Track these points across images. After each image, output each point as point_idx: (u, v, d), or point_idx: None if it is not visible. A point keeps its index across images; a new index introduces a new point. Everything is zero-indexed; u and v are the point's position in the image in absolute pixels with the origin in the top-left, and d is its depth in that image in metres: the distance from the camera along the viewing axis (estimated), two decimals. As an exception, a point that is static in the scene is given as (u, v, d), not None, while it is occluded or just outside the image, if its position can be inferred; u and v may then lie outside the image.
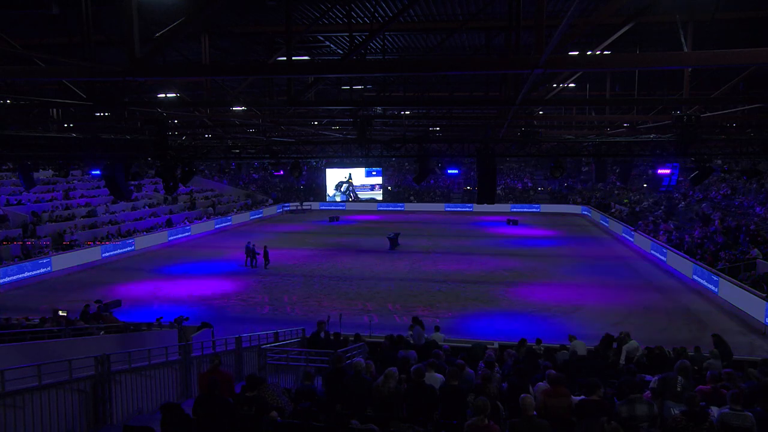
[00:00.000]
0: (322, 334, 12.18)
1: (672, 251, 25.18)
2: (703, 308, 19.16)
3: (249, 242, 26.64)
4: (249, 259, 26.10)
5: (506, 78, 9.41)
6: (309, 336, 12.69)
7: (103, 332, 13.11)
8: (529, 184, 53.00)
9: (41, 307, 17.98)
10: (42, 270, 24.10)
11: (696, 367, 10.05)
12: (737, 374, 8.62)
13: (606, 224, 38.34)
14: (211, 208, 42.16)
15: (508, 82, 9.15)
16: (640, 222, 33.77)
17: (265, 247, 26.34)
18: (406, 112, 17.68)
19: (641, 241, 29.92)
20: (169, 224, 35.32)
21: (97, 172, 15.64)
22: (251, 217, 43.97)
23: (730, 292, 19.03)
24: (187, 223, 36.60)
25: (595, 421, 5.91)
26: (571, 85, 12.78)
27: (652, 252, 27.69)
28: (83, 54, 6.34)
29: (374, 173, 45.27)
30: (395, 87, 15.55)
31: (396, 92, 16.13)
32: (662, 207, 36.78)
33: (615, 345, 11.71)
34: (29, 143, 13.05)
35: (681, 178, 34.32)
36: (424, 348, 11.03)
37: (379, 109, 16.20)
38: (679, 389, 6.67)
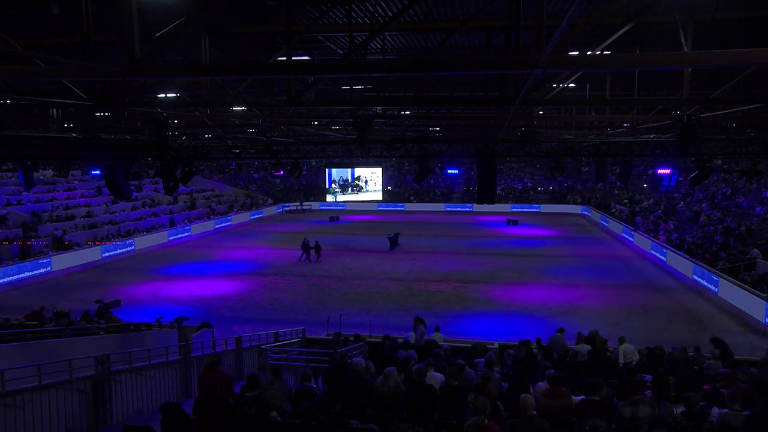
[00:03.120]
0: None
1: (672, 251, 25.17)
2: (703, 308, 19.16)
3: (305, 239, 28.05)
4: (304, 254, 27.33)
5: (506, 78, 9.40)
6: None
7: (103, 332, 13.11)
8: (529, 184, 52.99)
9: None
10: (42, 270, 24.09)
11: (696, 367, 10.05)
12: (744, 370, 8.60)
13: (606, 224, 38.32)
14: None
15: (508, 82, 9.14)
16: (638, 218, 33.79)
17: (317, 242, 27.85)
18: (406, 112, 17.67)
19: (641, 241, 29.90)
20: (171, 224, 35.31)
21: (97, 172, 15.61)
22: (251, 217, 43.93)
23: (730, 292, 19.02)
24: (187, 223, 36.59)
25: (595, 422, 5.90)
26: (571, 85, 12.76)
27: (652, 252, 27.68)
28: (83, 54, 6.34)
29: (372, 173, 45.25)
30: (395, 87, 15.54)
31: (396, 92, 16.12)
32: (662, 207, 36.79)
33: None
34: (29, 143, 13.02)
35: (681, 178, 34.44)
36: (424, 348, 11.03)
37: (379, 109, 16.16)
38: (673, 393, 6.67)
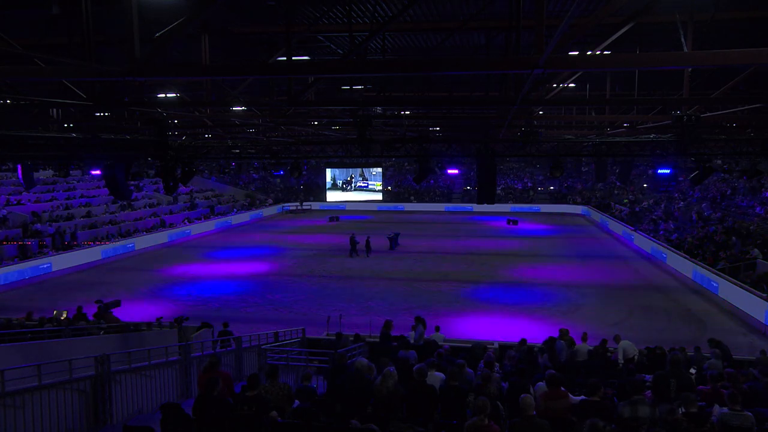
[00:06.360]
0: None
1: (672, 251, 25.17)
2: (703, 308, 19.16)
3: (352, 234, 28.88)
4: (351, 249, 28.24)
5: (506, 78, 9.40)
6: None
7: (103, 332, 13.11)
8: (529, 184, 52.99)
9: (44, 308, 17.96)
10: (42, 270, 24.08)
11: (696, 367, 10.06)
12: (742, 372, 8.60)
13: (606, 224, 38.32)
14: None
15: (508, 82, 9.14)
16: (638, 212, 33.81)
17: (368, 238, 28.69)
18: (406, 112, 17.66)
19: (641, 241, 29.91)
20: (162, 225, 35.18)
21: (97, 172, 15.63)
22: (251, 218, 43.93)
23: (730, 292, 19.03)
24: (187, 222, 36.56)
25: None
26: (571, 85, 12.75)
27: (652, 252, 27.69)
28: (83, 54, 6.33)
29: (374, 173, 45.39)
30: (395, 87, 15.53)
31: (396, 92, 16.11)
32: (662, 207, 36.78)
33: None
34: (29, 143, 13.02)
35: (681, 178, 34.46)
36: (424, 348, 11.02)
37: (379, 109, 16.18)
38: (673, 395, 6.66)
